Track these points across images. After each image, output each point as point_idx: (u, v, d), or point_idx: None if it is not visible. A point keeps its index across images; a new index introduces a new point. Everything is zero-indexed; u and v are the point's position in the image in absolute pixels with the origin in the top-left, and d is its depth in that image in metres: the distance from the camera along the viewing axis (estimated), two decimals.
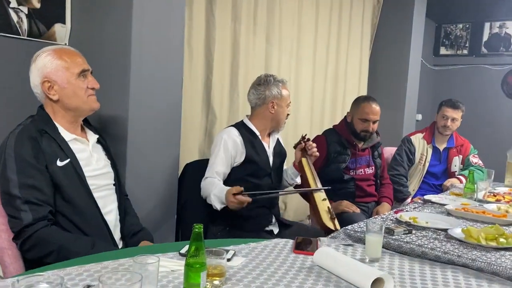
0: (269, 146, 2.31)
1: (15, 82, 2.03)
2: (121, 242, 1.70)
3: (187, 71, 2.59)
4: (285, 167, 2.45)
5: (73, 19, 2.20)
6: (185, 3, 2.27)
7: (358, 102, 2.81)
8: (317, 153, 2.29)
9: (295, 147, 2.33)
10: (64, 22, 2.18)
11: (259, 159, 2.21)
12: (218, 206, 2.05)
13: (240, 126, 2.26)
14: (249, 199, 1.97)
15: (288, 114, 2.30)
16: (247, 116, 2.33)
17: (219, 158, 2.15)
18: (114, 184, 1.72)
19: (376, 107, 2.74)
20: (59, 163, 1.52)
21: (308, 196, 2.27)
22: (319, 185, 2.27)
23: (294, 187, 2.49)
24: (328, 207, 2.19)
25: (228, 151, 2.16)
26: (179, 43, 2.24)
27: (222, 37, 2.86)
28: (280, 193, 2.44)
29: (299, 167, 2.30)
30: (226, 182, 2.19)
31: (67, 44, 2.20)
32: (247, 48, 3.05)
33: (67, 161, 1.53)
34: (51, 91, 1.57)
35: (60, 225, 1.51)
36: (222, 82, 2.89)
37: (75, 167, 1.54)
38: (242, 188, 1.96)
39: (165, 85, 2.18)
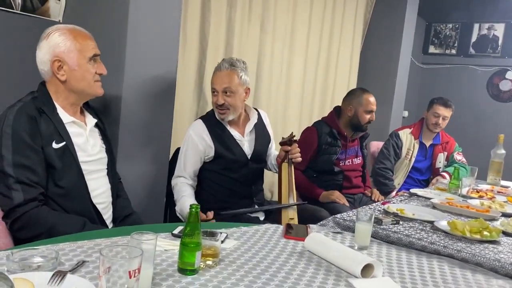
0: (243, 134, 2.20)
1: (7, 56, 1.99)
2: (112, 225, 1.69)
3: (180, 55, 2.56)
4: (275, 152, 2.38)
5: None
6: None
7: (359, 95, 2.80)
8: (299, 159, 2.11)
9: (281, 144, 2.14)
10: None
11: (229, 154, 2.13)
12: (182, 219, 2.05)
13: (209, 118, 2.18)
14: (211, 221, 1.91)
15: (216, 104, 2.10)
16: None
17: (187, 157, 2.12)
18: (106, 169, 1.71)
19: (373, 96, 2.83)
20: (55, 145, 1.50)
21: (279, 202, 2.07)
22: (292, 198, 2.05)
23: None
24: None
25: (196, 147, 2.11)
26: (175, 25, 2.22)
27: (217, 22, 2.84)
28: (252, 210, 2.20)
29: (278, 169, 2.15)
30: (202, 175, 2.17)
31: (61, 21, 2.16)
32: (241, 35, 3.04)
33: (63, 143, 1.51)
34: (60, 71, 1.55)
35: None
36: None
37: (70, 151, 1.52)
38: (204, 216, 1.91)
39: (160, 68, 2.16)
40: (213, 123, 2.16)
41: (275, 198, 3.53)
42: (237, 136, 2.18)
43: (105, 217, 1.63)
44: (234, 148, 2.15)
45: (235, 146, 2.16)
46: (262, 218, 2.27)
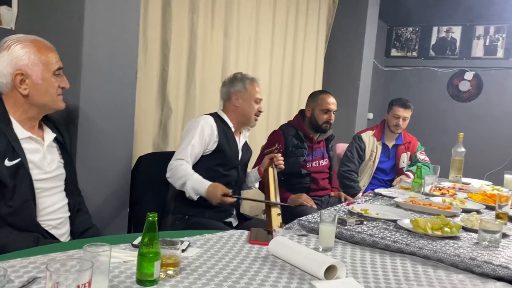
0: (239, 141, 2.36)
1: None
2: (69, 239, 1.63)
3: (141, 62, 2.52)
4: (248, 170, 2.49)
5: (21, 2, 2.09)
6: None
7: (316, 95, 2.90)
8: (283, 167, 2.33)
9: (266, 153, 2.36)
10: (10, 5, 2.07)
11: (229, 150, 2.26)
12: (194, 197, 2.09)
13: (216, 116, 2.31)
14: (234, 200, 2.06)
15: (259, 111, 2.34)
16: (221, 109, 2.38)
17: (192, 142, 2.16)
18: (64, 184, 1.64)
19: (333, 98, 2.87)
20: (7, 163, 1.42)
21: (267, 204, 2.24)
22: (278, 199, 2.27)
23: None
24: (280, 222, 2.19)
25: (203, 136, 2.19)
26: (134, 33, 2.18)
27: (179, 28, 2.81)
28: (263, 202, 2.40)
29: (264, 174, 2.33)
30: (194, 170, 2.19)
31: (13, 29, 2.09)
32: (204, 41, 3.02)
33: (16, 161, 1.44)
34: (22, 85, 1.48)
35: None
36: (179, 75, 2.85)
37: (23, 169, 1.45)
38: (230, 191, 2.04)
39: (119, 75, 2.11)
40: (220, 121, 2.30)
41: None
42: (237, 140, 2.35)
43: (60, 232, 1.56)
44: (233, 147, 2.30)
45: (234, 146, 2.31)
46: (235, 224, 2.31)
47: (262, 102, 2.39)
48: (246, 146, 2.44)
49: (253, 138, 3.43)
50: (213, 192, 2.04)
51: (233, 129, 2.32)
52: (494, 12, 4.79)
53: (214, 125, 2.24)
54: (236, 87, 2.31)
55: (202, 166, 2.21)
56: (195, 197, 2.09)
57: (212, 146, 2.23)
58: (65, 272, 0.84)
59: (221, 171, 2.24)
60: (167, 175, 2.15)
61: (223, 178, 2.24)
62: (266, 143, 2.88)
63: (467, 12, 5.04)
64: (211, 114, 2.32)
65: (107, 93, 2.06)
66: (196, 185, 2.07)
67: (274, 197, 2.23)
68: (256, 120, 2.36)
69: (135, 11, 2.17)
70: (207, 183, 2.07)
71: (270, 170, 2.29)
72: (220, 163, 2.24)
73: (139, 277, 1.08)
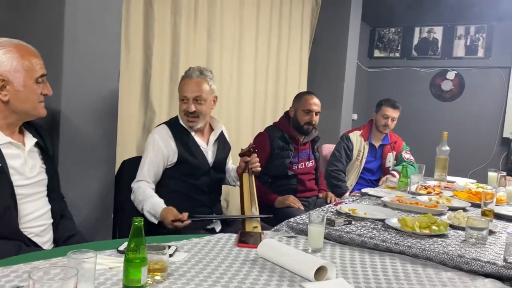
0: (207, 143, 2.22)
1: None
2: (52, 247, 1.59)
3: (124, 64, 2.48)
4: (232, 165, 2.41)
5: None
6: None
7: (300, 96, 2.91)
8: (259, 169, 2.11)
9: (240, 155, 2.14)
10: None
11: (193, 159, 2.13)
12: (153, 221, 2.00)
13: (173, 124, 2.18)
14: (188, 223, 1.89)
15: (187, 111, 2.11)
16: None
17: (149, 160, 2.09)
18: (47, 190, 1.60)
19: (317, 99, 2.87)
20: None
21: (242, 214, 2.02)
22: (254, 207, 1.99)
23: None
24: None
25: (159, 151, 2.09)
26: (116, 35, 2.14)
27: (162, 30, 2.78)
28: (222, 217, 2.29)
29: (239, 180, 2.15)
30: (161, 182, 2.13)
31: None
32: (187, 43, 2.99)
33: None
34: (3, 91, 1.44)
35: None
36: (162, 77, 2.81)
37: (4, 175, 1.41)
38: (182, 216, 1.88)
39: (101, 78, 2.07)
40: (178, 129, 2.16)
41: (232, 208, 3.49)
42: (201, 144, 2.19)
43: (43, 240, 1.52)
44: (198, 155, 2.16)
45: (199, 152, 2.17)
46: (218, 229, 2.25)
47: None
48: (222, 142, 2.29)
49: (238, 141, 3.42)
50: (164, 218, 1.93)
51: (193, 133, 2.16)
52: (474, 12, 4.87)
53: (170, 135, 2.12)
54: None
55: (169, 179, 2.13)
56: (155, 221, 1.99)
57: (173, 157, 2.11)
58: (49, 281, 0.81)
59: (189, 181, 2.13)
60: (131, 197, 2.08)
61: (193, 188, 2.15)
62: None
63: (448, 13, 5.11)
64: (169, 122, 2.21)
65: (89, 96, 2.02)
66: (151, 210, 1.99)
67: (249, 207, 2.00)
68: (189, 121, 2.12)
69: (117, 14, 2.13)
70: (160, 208, 1.96)
71: (245, 176, 2.06)
72: (186, 173, 2.13)
73: (125, 283, 1.05)
